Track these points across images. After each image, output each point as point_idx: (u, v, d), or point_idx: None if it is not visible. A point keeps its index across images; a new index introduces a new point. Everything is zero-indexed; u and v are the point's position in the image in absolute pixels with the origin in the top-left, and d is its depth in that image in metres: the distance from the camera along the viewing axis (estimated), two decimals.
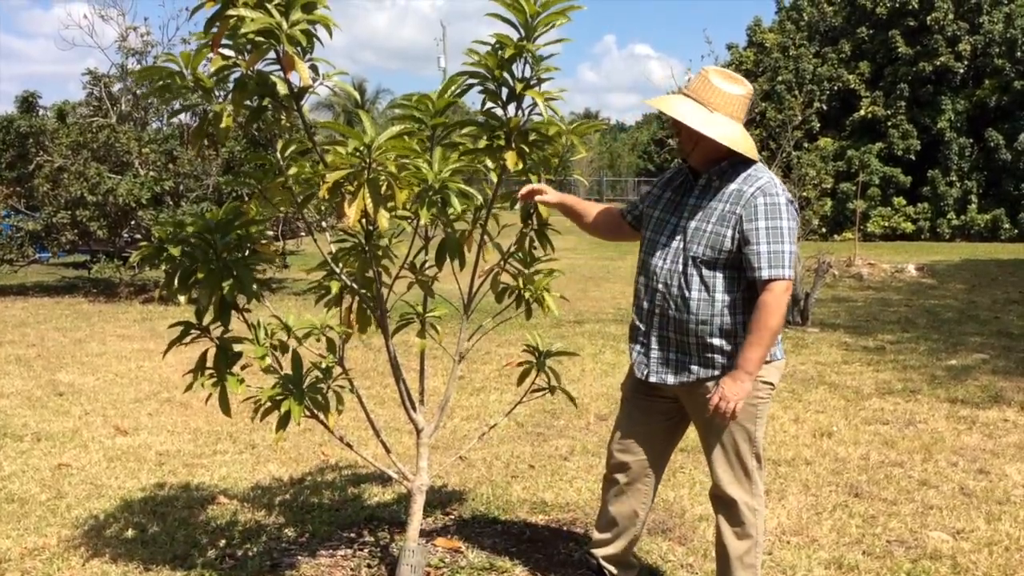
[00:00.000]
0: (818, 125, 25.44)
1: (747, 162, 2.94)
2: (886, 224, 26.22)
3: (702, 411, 2.98)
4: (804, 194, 11.21)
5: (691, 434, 5.64)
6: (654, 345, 3.05)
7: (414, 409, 3.52)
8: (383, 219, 2.79)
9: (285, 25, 2.70)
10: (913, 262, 17.00)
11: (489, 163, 3.25)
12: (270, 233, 3.23)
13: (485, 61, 3.15)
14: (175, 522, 4.13)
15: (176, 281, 3.07)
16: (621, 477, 3.28)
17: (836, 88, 26.47)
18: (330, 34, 2.92)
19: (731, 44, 29.89)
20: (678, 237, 2.98)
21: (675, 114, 2.89)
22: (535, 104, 3.21)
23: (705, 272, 2.89)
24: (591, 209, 3.41)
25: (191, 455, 5.20)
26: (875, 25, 26.87)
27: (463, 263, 3.48)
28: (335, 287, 3.47)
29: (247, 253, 3.32)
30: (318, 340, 3.45)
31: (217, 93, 3.02)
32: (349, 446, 3.55)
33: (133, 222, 12.23)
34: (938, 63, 25.74)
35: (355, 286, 3.31)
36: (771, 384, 3.02)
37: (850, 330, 9.77)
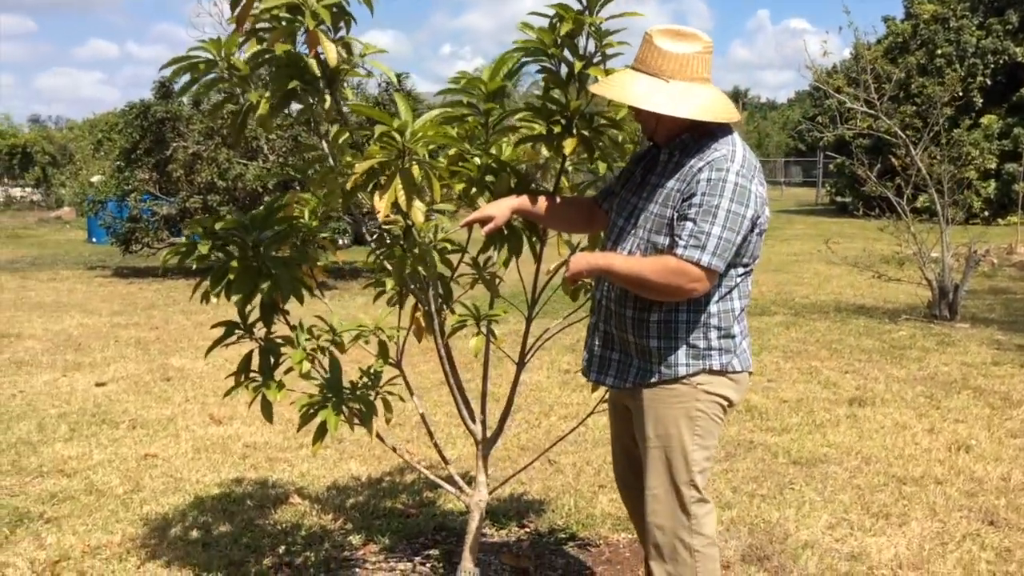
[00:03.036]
0: (981, 101, 23.69)
1: (714, 131, 2.52)
2: None
3: (638, 418, 2.66)
4: (965, 175, 10.29)
5: (807, 444, 5.20)
6: (597, 342, 2.73)
7: (472, 419, 3.23)
8: (418, 212, 2.50)
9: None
10: None
11: (545, 151, 2.91)
12: (345, 223, 2.98)
13: (541, 36, 2.82)
14: (242, 523, 4.00)
15: (211, 281, 2.89)
16: (625, 492, 3.00)
17: (1001, 62, 24.59)
18: (371, 9, 2.66)
19: (887, 16, 28.22)
20: (633, 220, 2.61)
21: (626, 99, 2.49)
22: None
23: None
24: (558, 205, 2.90)
25: (277, 448, 5.09)
26: None
27: (538, 255, 3.17)
28: (389, 284, 3.22)
29: (297, 247, 3.14)
30: (366, 343, 3.21)
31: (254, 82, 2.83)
32: (399, 455, 3.31)
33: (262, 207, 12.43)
34: None
35: (411, 284, 3.05)
36: (720, 398, 2.60)
37: (1005, 326, 8.90)
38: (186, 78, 2.82)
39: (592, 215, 2.90)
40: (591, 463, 4.82)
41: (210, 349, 3.11)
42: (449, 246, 2.96)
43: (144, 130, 12.34)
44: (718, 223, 2.37)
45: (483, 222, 2.77)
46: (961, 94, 11.19)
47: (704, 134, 2.52)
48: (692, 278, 2.38)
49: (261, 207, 3.09)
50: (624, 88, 2.48)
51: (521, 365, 3.29)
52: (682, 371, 2.55)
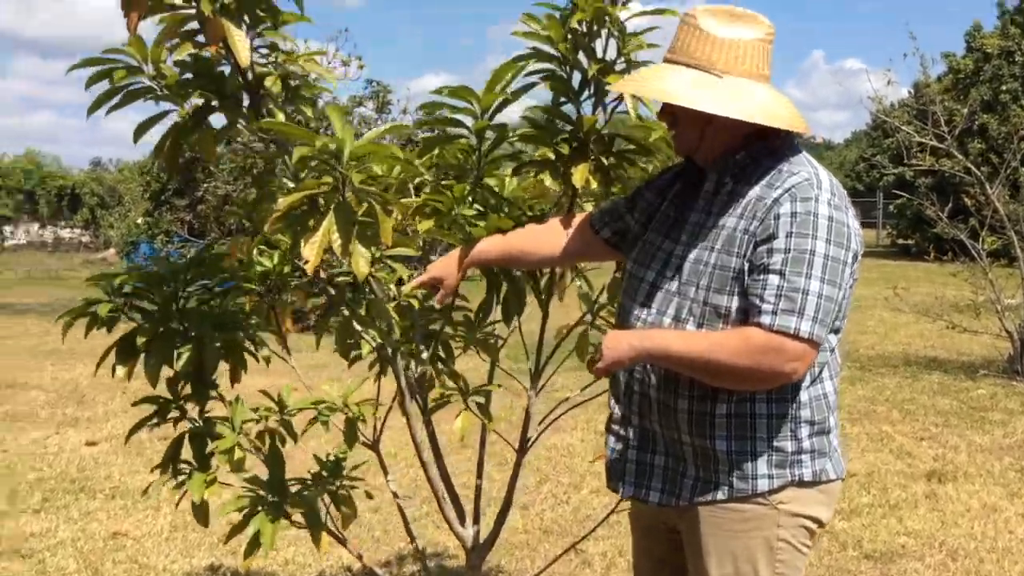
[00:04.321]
0: None
1: (779, 150, 1.85)
2: None
3: (694, 549, 1.91)
4: None
5: (881, 531, 4.42)
6: (633, 441, 1.96)
7: (461, 520, 2.55)
8: (360, 260, 1.86)
9: None
10: None
11: (547, 181, 2.26)
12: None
13: (547, 31, 2.18)
14: None
15: (117, 354, 2.31)
16: None
17: None
18: (301, 7, 2.06)
19: (947, 52, 27.21)
20: (670, 273, 1.88)
21: (662, 95, 1.81)
22: (621, 98, 2.24)
23: (707, 331, 1.81)
24: (531, 238, 2.24)
25: None
26: None
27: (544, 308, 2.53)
28: (366, 348, 2.59)
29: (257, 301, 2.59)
30: (324, 424, 2.57)
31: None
32: (365, 564, 2.64)
33: None
34: None
35: (389, 350, 2.40)
36: (809, 520, 1.88)
37: None
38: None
39: (586, 244, 2.19)
40: (625, 554, 4.09)
41: (132, 432, 2.51)
42: (416, 300, 2.30)
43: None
44: (815, 276, 1.69)
45: (434, 287, 2.15)
46: None
47: (766, 152, 1.84)
48: (790, 356, 1.69)
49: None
50: (660, 83, 1.80)
51: (522, 452, 2.63)
52: (763, 485, 1.83)
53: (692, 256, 1.85)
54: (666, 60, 1.86)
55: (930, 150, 9.26)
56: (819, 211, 1.72)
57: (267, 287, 2.67)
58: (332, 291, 2.30)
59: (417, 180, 2.43)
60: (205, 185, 11.90)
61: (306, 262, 1.82)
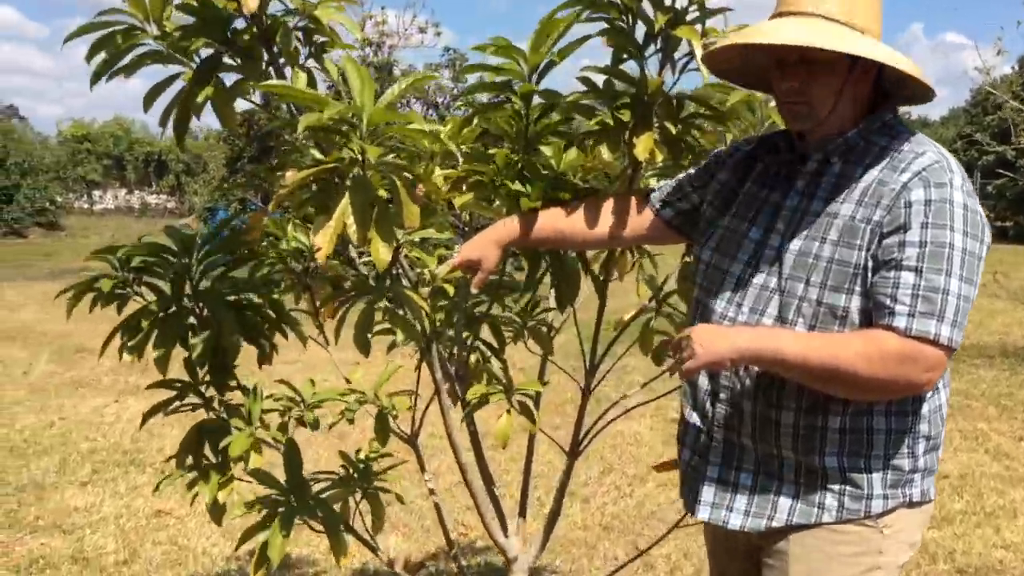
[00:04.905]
0: None
1: (893, 127, 1.63)
2: None
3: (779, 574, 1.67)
4: None
5: (975, 542, 4.03)
6: (714, 457, 1.70)
7: (504, 530, 2.29)
8: (381, 248, 1.59)
9: None
10: None
11: (605, 153, 1.96)
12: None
13: None
14: None
15: (123, 333, 2.11)
16: None
17: None
18: None
19: None
20: (766, 267, 1.63)
21: (816, 41, 1.51)
22: (692, 54, 1.91)
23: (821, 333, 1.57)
24: (589, 217, 1.94)
25: None
26: None
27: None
28: (401, 335, 2.33)
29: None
30: (350, 420, 2.34)
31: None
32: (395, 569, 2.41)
33: None
34: None
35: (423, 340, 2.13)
36: (908, 546, 1.69)
37: None
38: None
39: (644, 225, 1.92)
40: (691, 557, 3.80)
41: (146, 418, 2.31)
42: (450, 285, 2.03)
43: (249, 139, 11.94)
44: (954, 273, 1.47)
45: (471, 269, 1.88)
46: None
47: (877, 130, 1.62)
48: (928, 365, 1.47)
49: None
50: (794, 32, 1.53)
51: (573, 455, 2.35)
52: (877, 506, 1.61)
53: (795, 247, 1.60)
54: (786, 13, 1.59)
55: None
56: (954, 198, 1.50)
57: (304, 266, 2.47)
58: (355, 275, 2.05)
59: (465, 148, 2.17)
60: (281, 150, 11.85)
61: (318, 249, 1.56)
